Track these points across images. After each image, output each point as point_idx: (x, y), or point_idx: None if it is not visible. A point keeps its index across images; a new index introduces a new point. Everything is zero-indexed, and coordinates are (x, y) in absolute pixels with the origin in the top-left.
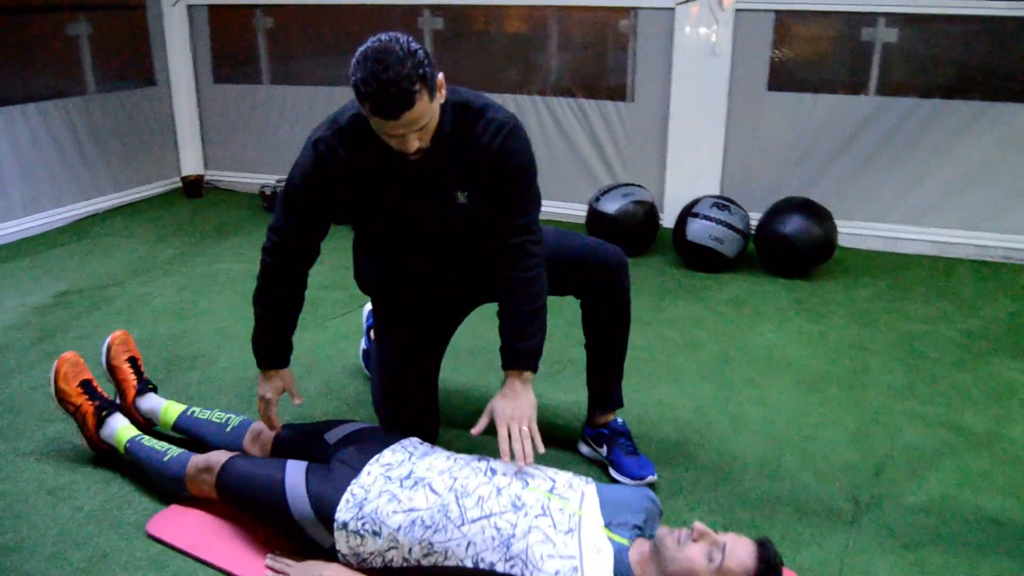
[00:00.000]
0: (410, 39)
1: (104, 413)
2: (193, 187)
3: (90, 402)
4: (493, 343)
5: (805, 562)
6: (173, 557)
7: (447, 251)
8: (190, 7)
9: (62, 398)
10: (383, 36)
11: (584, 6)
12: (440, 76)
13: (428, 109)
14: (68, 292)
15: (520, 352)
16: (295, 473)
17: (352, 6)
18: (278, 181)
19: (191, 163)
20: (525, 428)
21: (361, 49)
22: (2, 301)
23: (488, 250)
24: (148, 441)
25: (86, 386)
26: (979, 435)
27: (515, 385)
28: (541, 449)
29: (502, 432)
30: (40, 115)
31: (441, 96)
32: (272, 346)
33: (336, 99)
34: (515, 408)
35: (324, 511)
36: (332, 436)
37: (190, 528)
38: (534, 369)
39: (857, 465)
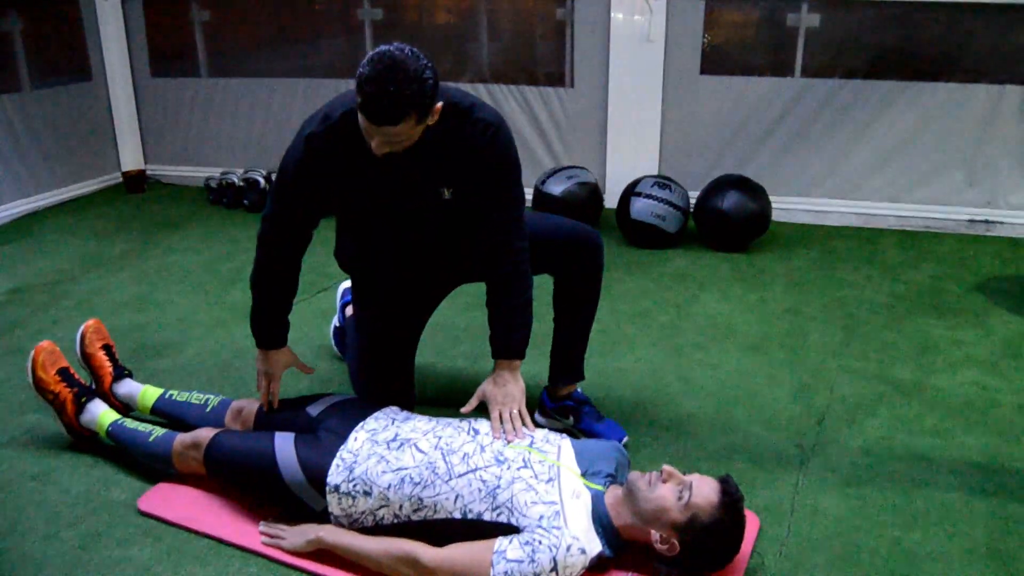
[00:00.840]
0: (428, 64)
1: (83, 399)
2: (134, 182)
3: (69, 389)
4: (453, 319)
5: (760, 503)
6: (167, 531)
7: (430, 240)
8: (123, 1)
9: (40, 386)
10: (407, 49)
11: None
12: (439, 105)
13: (411, 131)
14: (21, 289)
15: (510, 343)
16: (284, 443)
17: None
18: (223, 173)
19: (131, 158)
20: (515, 412)
21: (383, 47)
22: None
23: (469, 240)
24: (131, 423)
25: (63, 374)
26: (908, 385)
27: (505, 372)
28: (532, 430)
29: (494, 416)
30: None
31: (432, 120)
32: (273, 327)
33: (276, 90)
34: (506, 394)
35: (316, 476)
36: (314, 409)
37: (182, 502)
38: (522, 357)
39: (800, 416)
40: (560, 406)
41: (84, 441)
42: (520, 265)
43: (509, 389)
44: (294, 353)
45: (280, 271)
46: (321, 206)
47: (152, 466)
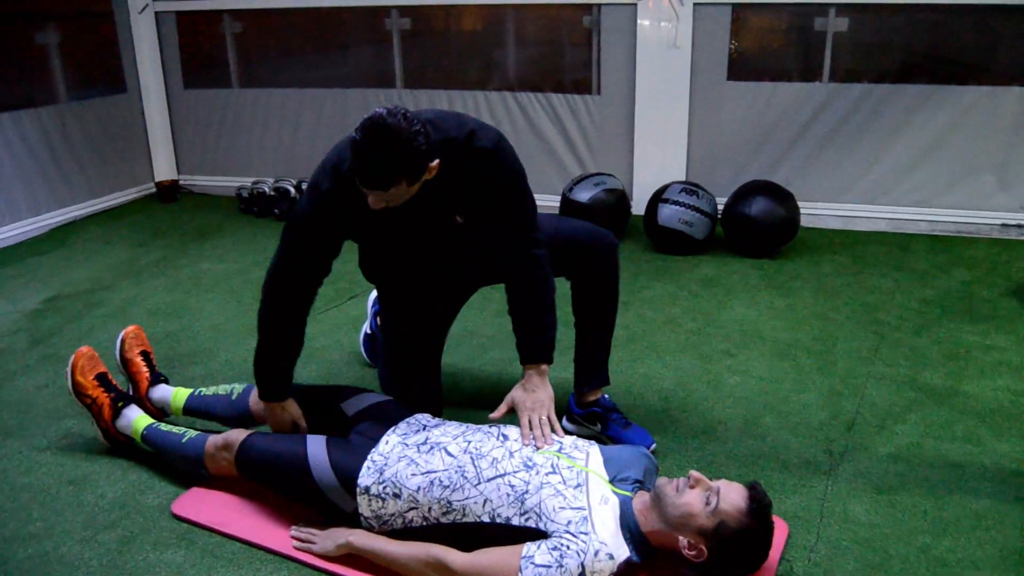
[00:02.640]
0: (419, 129)
1: (120, 404)
2: (167, 192)
3: (106, 394)
4: (481, 327)
5: (789, 509)
6: (200, 534)
7: (448, 258)
8: (157, 14)
9: (79, 391)
10: (400, 113)
11: (549, 3)
12: (435, 163)
13: (403, 193)
14: (58, 297)
15: (536, 347)
16: (316, 445)
17: (319, 8)
18: (254, 183)
19: (164, 168)
20: (544, 418)
21: (377, 110)
22: None
23: (486, 253)
24: (164, 427)
25: (102, 379)
26: (939, 391)
27: (533, 378)
28: (561, 436)
29: (523, 421)
30: (13, 124)
31: (429, 175)
32: (279, 378)
33: (306, 100)
34: (535, 400)
35: (347, 477)
36: (349, 407)
37: (214, 506)
38: (550, 361)
39: (830, 422)
40: (588, 413)
41: (119, 447)
42: (538, 272)
43: (538, 395)
44: (297, 406)
45: (290, 322)
46: (332, 254)
47: (186, 469)
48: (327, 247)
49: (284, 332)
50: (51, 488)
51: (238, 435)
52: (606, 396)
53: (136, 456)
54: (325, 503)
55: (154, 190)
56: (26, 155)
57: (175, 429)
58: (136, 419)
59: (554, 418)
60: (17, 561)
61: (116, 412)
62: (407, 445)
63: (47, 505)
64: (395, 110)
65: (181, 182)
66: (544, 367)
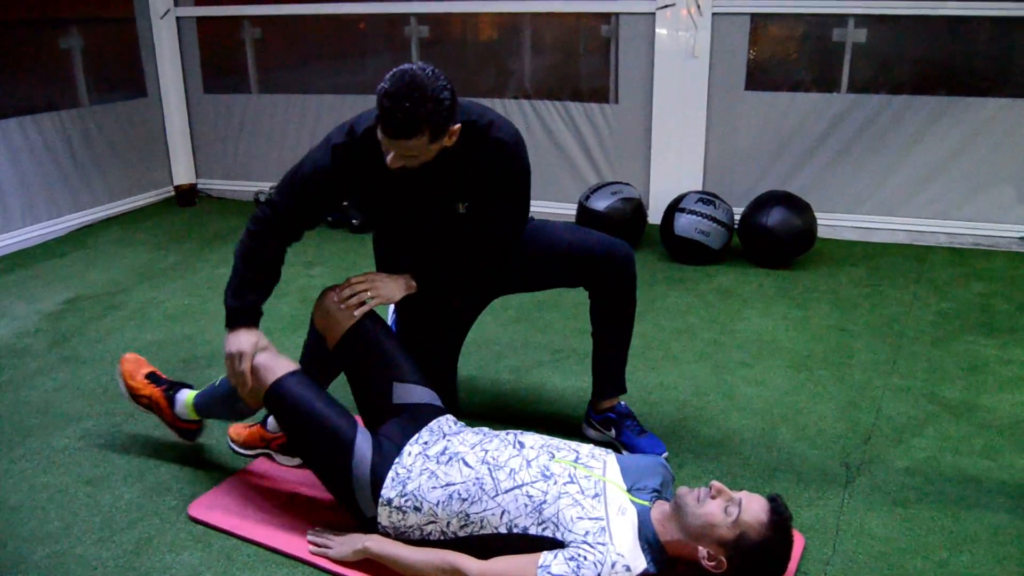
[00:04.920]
0: (446, 85)
1: (170, 392)
2: (186, 196)
3: (157, 388)
4: (498, 335)
5: (805, 522)
6: (217, 537)
7: (444, 252)
8: (179, 19)
9: (134, 394)
10: (429, 68)
11: (568, 12)
12: (456, 127)
13: (424, 148)
14: (77, 299)
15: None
16: (364, 441)
17: (338, 15)
18: (271, 187)
19: (183, 172)
20: (364, 281)
21: (405, 65)
22: (12, 309)
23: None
24: (203, 388)
25: (151, 377)
26: (957, 405)
27: (401, 277)
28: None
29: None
30: (36, 127)
31: (449, 142)
32: (251, 304)
33: (324, 106)
34: (375, 280)
35: (376, 484)
36: (398, 393)
37: (231, 509)
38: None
39: (846, 435)
40: (603, 418)
41: (192, 435)
42: (491, 245)
43: (385, 281)
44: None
45: (271, 252)
46: (326, 212)
47: (230, 414)
48: (322, 200)
49: (267, 259)
50: (69, 488)
51: (274, 364)
52: (622, 403)
53: (153, 458)
54: (347, 496)
55: (173, 194)
56: (47, 158)
57: (212, 382)
58: (186, 398)
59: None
60: (35, 560)
61: (171, 401)
62: (428, 456)
63: (65, 505)
64: (424, 66)
65: (199, 186)
66: (413, 284)
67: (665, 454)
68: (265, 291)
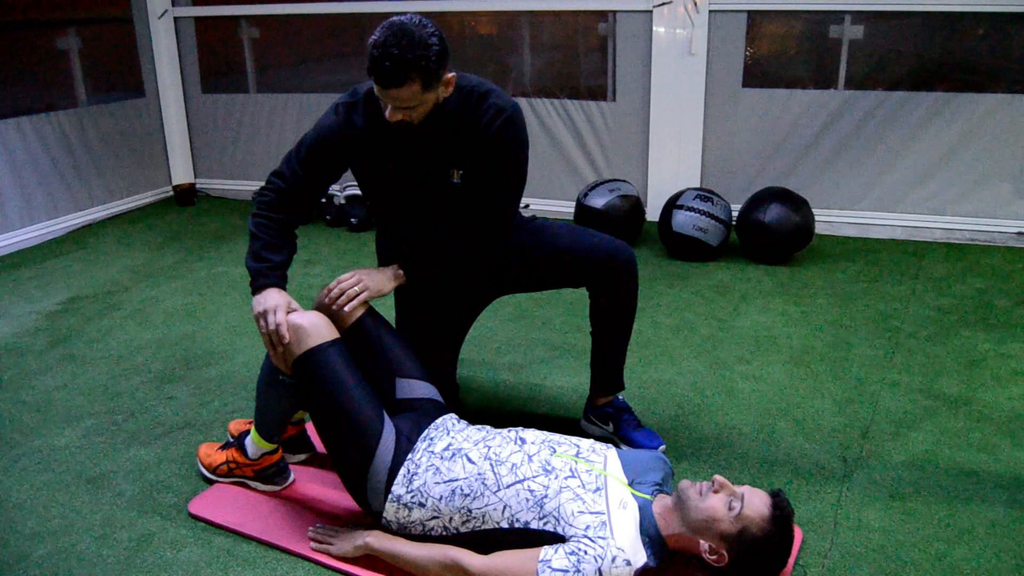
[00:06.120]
0: (434, 32)
1: (239, 441)
2: (185, 196)
3: (226, 451)
4: (497, 331)
5: (803, 515)
6: (217, 534)
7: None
8: (176, 19)
9: (219, 473)
10: (416, 18)
11: (565, 10)
12: (450, 75)
13: (416, 96)
14: (76, 299)
15: (418, 254)
16: (390, 434)
17: (334, 15)
18: None
19: (181, 172)
20: (352, 287)
21: (394, 17)
22: (11, 309)
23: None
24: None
25: (224, 446)
26: (954, 399)
27: (387, 270)
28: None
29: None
30: (34, 128)
31: (445, 92)
32: (274, 264)
33: (322, 106)
34: (372, 273)
35: (391, 478)
36: (401, 388)
37: (231, 507)
38: (424, 268)
39: (844, 429)
40: (601, 412)
41: (278, 475)
42: (482, 226)
43: (372, 274)
44: (287, 295)
45: (283, 219)
46: (332, 177)
47: (275, 392)
48: (327, 163)
49: (277, 235)
50: (69, 486)
51: (315, 330)
52: (620, 397)
53: (153, 455)
54: (358, 484)
55: (171, 193)
56: (45, 158)
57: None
58: (251, 435)
59: (363, 296)
60: (36, 557)
61: (243, 450)
62: (433, 453)
63: (65, 503)
64: (414, 16)
65: (198, 186)
66: (400, 272)
67: (662, 447)
68: (286, 254)
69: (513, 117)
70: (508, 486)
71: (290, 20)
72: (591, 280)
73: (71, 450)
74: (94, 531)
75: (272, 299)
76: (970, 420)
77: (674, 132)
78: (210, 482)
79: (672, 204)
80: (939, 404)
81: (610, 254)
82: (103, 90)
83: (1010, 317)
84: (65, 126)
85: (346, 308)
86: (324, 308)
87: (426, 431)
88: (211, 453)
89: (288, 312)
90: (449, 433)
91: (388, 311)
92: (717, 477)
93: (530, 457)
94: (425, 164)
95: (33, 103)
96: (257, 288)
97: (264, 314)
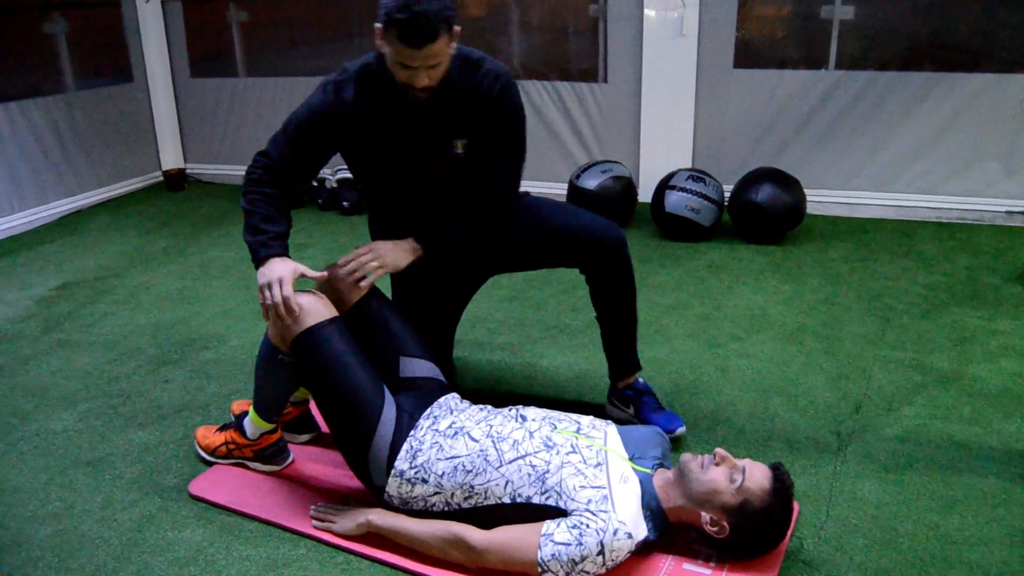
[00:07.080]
0: None
1: (239, 421)
2: (175, 181)
3: (224, 432)
4: (491, 312)
5: (799, 489)
6: (218, 514)
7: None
8: (164, 3)
9: (217, 454)
10: None
11: None
12: (457, 28)
13: (445, 50)
14: (68, 284)
15: (434, 227)
16: (390, 410)
17: None
18: None
19: (171, 157)
20: (370, 261)
21: None
22: (3, 295)
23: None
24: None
25: (221, 428)
26: (945, 374)
27: (402, 243)
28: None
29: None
30: (22, 114)
31: (454, 44)
32: (274, 234)
33: (311, 89)
34: (379, 250)
35: (392, 455)
36: (405, 367)
37: (231, 486)
38: (429, 244)
39: (837, 404)
40: (622, 396)
41: (277, 454)
42: (490, 196)
43: (388, 248)
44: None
45: (275, 193)
46: (322, 159)
47: (285, 386)
48: (316, 143)
49: (271, 206)
50: (69, 470)
51: (313, 308)
52: (640, 380)
53: (152, 437)
54: (360, 460)
55: (161, 179)
56: (34, 144)
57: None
58: (249, 415)
59: (378, 274)
60: (39, 540)
61: (242, 430)
62: (437, 431)
63: (65, 486)
64: None
65: (188, 171)
66: (416, 245)
67: (682, 429)
68: (284, 225)
69: (508, 82)
70: (510, 462)
71: (279, 3)
72: (582, 261)
73: (69, 434)
74: (95, 513)
75: (277, 270)
76: (961, 394)
77: (666, 113)
78: (209, 464)
79: (664, 185)
80: (930, 379)
81: (599, 237)
82: (91, 75)
83: (999, 294)
84: (53, 111)
85: (362, 284)
86: (333, 283)
87: (429, 409)
88: (209, 435)
89: (297, 277)
90: (452, 412)
91: (384, 291)
92: (719, 450)
93: (531, 434)
94: (426, 135)
95: (20, 89)
96: (261, 260)
97: (269, 285)
